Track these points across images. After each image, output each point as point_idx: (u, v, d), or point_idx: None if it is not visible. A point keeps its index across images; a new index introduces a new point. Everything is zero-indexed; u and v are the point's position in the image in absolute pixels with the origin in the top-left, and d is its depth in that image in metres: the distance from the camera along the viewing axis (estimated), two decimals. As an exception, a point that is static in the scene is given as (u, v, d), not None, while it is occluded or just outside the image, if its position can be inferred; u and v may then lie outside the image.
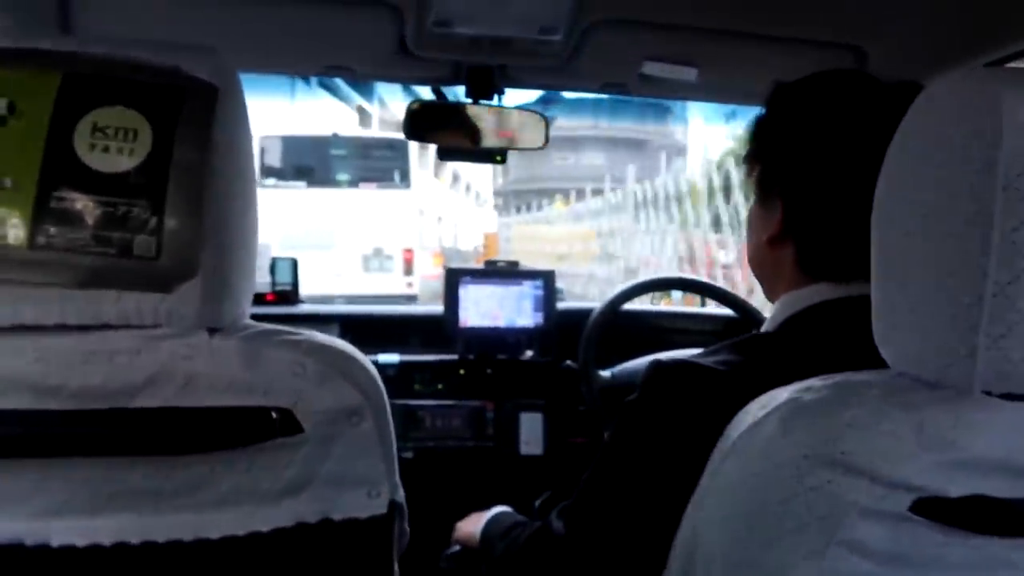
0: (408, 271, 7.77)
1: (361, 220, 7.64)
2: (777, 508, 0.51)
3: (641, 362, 1.66)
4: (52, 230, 0.52)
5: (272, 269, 1.86)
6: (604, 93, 1.52)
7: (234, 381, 0.56)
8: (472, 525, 1.09)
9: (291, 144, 7.95)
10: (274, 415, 0.56)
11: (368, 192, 7.81)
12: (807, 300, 0.76)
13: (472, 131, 1.43)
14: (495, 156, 1.49)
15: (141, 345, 0.55)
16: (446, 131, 1.44)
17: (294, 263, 1.89)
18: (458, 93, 1.42)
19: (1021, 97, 0.47)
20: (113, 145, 0.53)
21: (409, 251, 7.82)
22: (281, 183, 7.71)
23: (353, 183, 7.85)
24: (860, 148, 0.71)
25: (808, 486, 0.50)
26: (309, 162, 7.82)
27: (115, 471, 0.54)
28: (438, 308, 1.86)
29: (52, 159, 0.52)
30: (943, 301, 0.48)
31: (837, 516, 0.50)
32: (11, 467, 0.53)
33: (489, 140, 1.44)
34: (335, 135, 7.91)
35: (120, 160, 0.53)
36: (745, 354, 0.72)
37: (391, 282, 7.48)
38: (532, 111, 1.47)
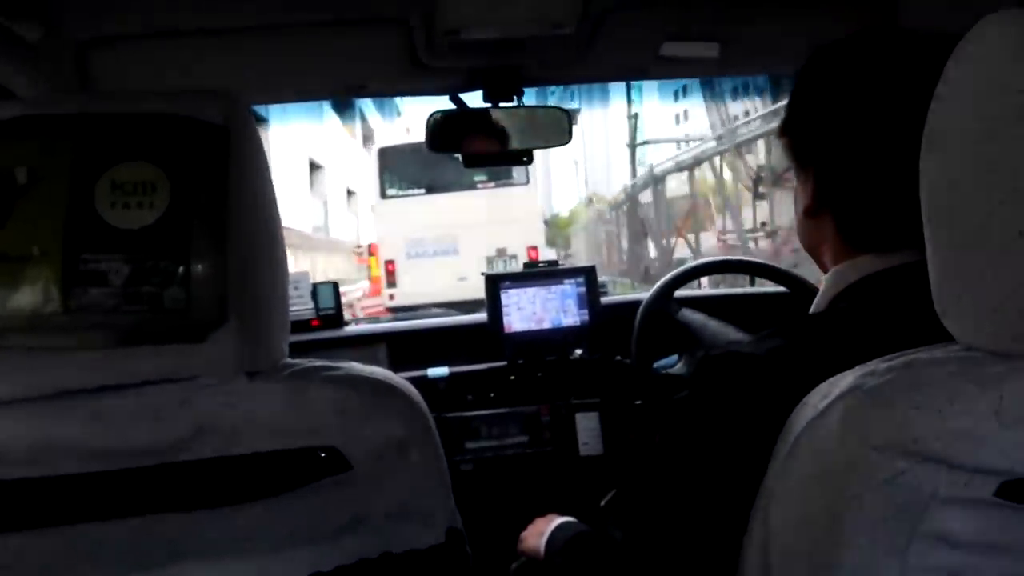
0: None
1: (483, 222, 7.54)
2: (852, 504, 0.48)
3: (706, 319, 1.62)
4: (83, 293, 0.52)
5: (314, 295, 1.87)
6: (623, 80, 1.49)
7: (279, 424, 0.56)
8: (536, 537, 1.07)
9: (407, 152, 7.85)
10: (322, 455, 0.56)
11: (488, 192, 7.74)
12: (853, 274, 0.72)
13: (495, 135, 1.42)
14: (521, 157, 1.47)
15: (183, 398, 0.55)
16: (469, 138, 1.43)
17: (335, 287, 1.90)
18: (477, 99, 1.40)
19: None
20: (133, 201, 0.53)
21: (534, 249, 7.60)
22: (401, 192, 7.75)
23: (471, 185, 7.74)
24: (892, 108, 0.67)
25: (882, 479, 0.47)
26: (427, 168, 7.65)
27: (173, 525, 0.54)
28: (482, 316, 1.84)
29: (75, 222, 0.53)
30: (1013, 264, 0.44)
31: (918, 508, 0.46)
32: (74, 532, 0.53)
33: (514, 142, 1.43)
34: None
35: (141, 215, 0.53)
36: (797, 338, 0.69)
37: None
38: (553, 107, 1.45)
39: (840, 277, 0.73)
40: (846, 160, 0.71)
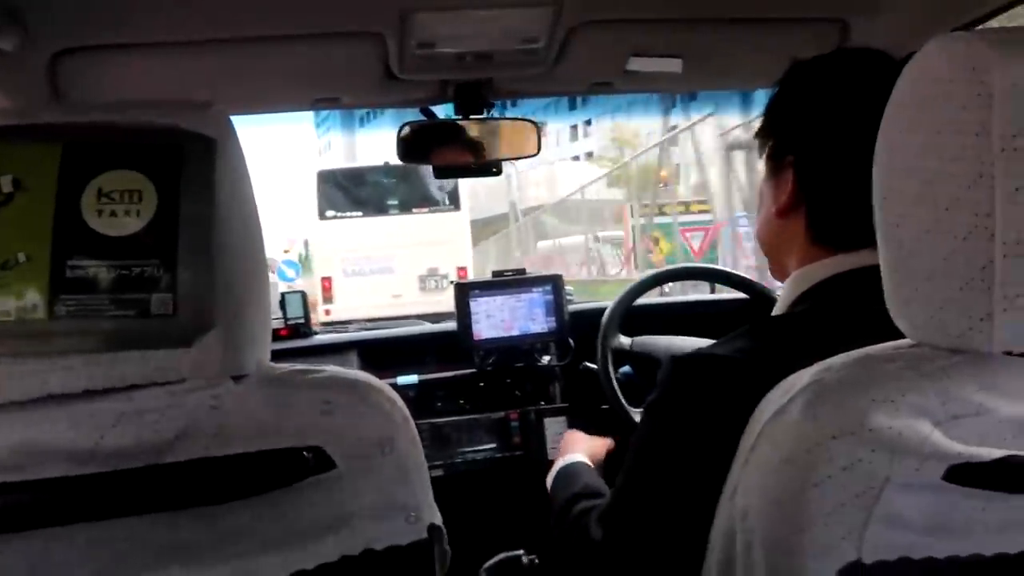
0: None
1: (416, 243, 8.10)
2: (812, 491, 0.51)
3: (660, 339, 1.66)
4: (70, 299, 0.53)
5: (282, 304, 1.87)
6: (592, 93, 1.53)
7: (264, 425, 0.57)
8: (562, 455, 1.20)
9: (346, 176, 8.53)
10: (306, 454, 0.57)
11: (421, 216, 8.28)
12: (818, 275, 0.76)
13: (465, 147, 1.44)
14: (491, 169, 1.50)
15: (168, 401, 0.55)
16: (440, 150, 1.45)
17: (303, 296, 1.91)
18: (448, 111, 1.43)
19: (1008, 58, 0.47)
20: (120, 208, 0.54)
21: (463, 269, 8.18)
22: (340, 214, 8.22)
23: (406, 208, 8.28)
24: (866, 116, 0.72)
25: (840, 466, 0.50)
26: (364, 192, 8.29)
27: (159, 528, 0.55)
28: (451, 325, 1.87)
29: (62, 229, 0.53)
30: (955, 266, 0.49)
31: (873, 493, 0.50)
32: (57, 535, 0.54)
33: (483, 153, 1.45)
34: (387, 164, 8.36)
35: (128, 222, 0.54)
36: (762, 339, 0.73)
37: (447, 300, 7.74)
38: (522, 119, 1.48)
39: (805, 278, 0.77)
40: (825, 155, 0.76)
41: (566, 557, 0.85)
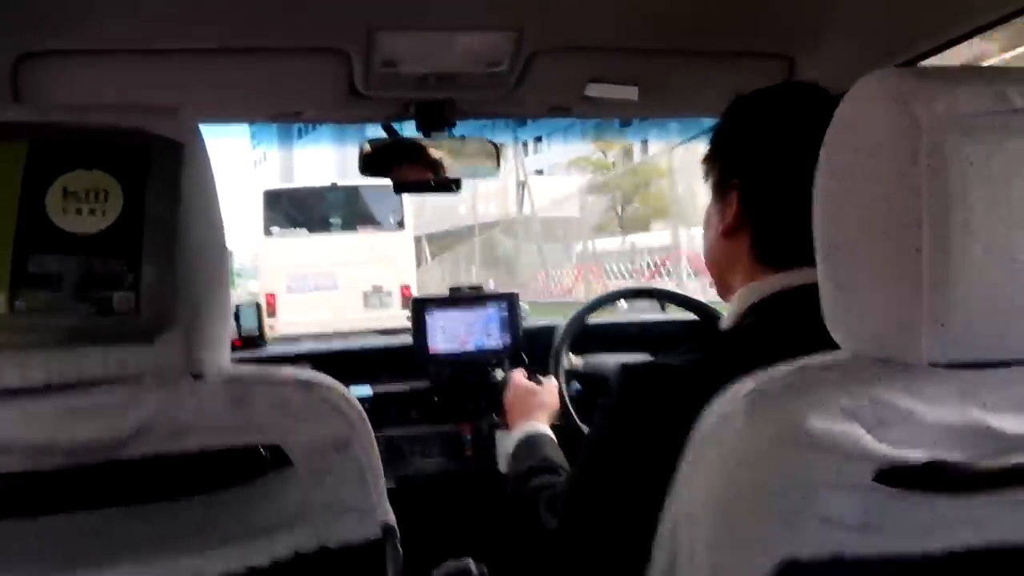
0: (407, 305, 8.07)
1: (361, 261, 8.25)
2: (752, 491, 0.54)
3: (610, 357, 1.71)
4: (31, 294, 0.53)
5: (237, 315, 1.86)
6: (550, 117, 1.57)
7: (222, 423, 0.58)
8: (515, 420, 1.22)
9: (293, 195, 8.74)
10: (263, 452, 0.58)
11: (366, 235, 8.45)
12: (763, 291, 0.81)
13: (426, 164, 1.47)
14: (450, 186, 1.53)
15: (127, 397, 0.56)
16: (400, 166, 1.48)
17: (258, 308, 1.90)
18: (408, 127, 1.46)
19: (934, 92, 0.52)
20: (85, 207, 0.54)
21: (407, 287, 8.33)
22: (286, 232, 8.32)
23: (351, 227, 8.44)
24: (805, 144, 0.77)
25: (778, 468, 0.54)
26: (310, 211, 8.45)
27: (113, 522, 0.55)
28: (407, 339, 1.88)
29: (26, 225, 0.54)
30: (887, 283, 0.53)
31: (809, 493, 0.53)
32: (9, 528, 0.53)
33: (443, 171, 1.48)
34: (334, 184, 8.48)
35: (93, 221, 0.54)
36: (710, 350, 0.77)
37: (390, 316, 7.88)
38: (483, 139, 1.52)
39: (750, 294, 0.82)
40: (768, 180, 0.81)
41: (518, 534, 0.88)
